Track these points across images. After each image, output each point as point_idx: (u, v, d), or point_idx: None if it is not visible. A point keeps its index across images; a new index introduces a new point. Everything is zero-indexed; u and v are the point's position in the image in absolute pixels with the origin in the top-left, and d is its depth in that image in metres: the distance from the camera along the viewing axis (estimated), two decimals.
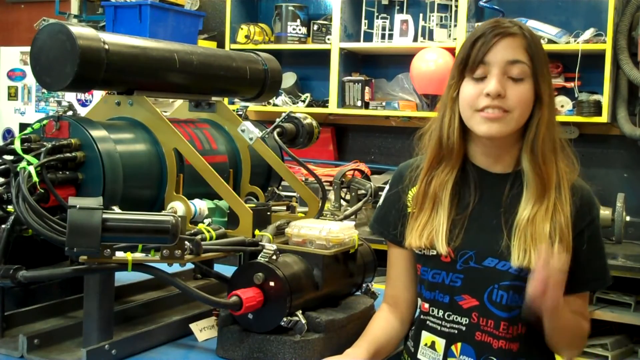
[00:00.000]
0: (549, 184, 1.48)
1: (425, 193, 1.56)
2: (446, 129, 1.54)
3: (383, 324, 1.62)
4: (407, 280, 1.66)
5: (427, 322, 1.57)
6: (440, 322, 1.54)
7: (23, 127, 5.21)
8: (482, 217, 1.52)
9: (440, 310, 1.54)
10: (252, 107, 4.15)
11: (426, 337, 1.57)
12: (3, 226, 1.46)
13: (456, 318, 1.52)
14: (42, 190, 1.46)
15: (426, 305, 1.57)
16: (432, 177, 1.56)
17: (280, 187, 2.08)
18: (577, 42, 3.83)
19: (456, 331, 1.52)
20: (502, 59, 1.46)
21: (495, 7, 4.05)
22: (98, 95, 4.28)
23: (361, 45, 4.47)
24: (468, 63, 1.48)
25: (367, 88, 4.39)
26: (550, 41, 3.88)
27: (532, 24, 3.94)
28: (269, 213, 1.72)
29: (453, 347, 1.52)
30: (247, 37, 4.65)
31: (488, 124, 1.47)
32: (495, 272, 1.48)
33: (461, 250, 1.51)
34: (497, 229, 1.49)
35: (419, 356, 1.57)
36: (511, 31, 1.47)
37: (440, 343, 1.54)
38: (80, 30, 1.56)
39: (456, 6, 4.16)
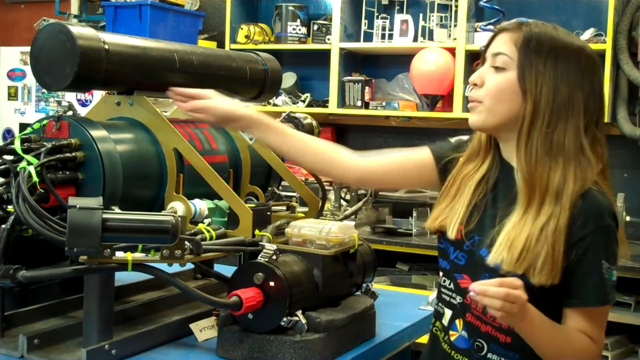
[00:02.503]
0: (539, 188, 1.41)
1: (453, 182, 1.56)
2: None
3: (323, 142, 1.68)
4: (394, 162, 1.69)
5: (441, 291, 1.57)
6: (449, 294, 1.55)
7: (23, 127, 5.21)
8: (489, 206, 1.51)
9: (451, 282, 1.54)
10: (252, 107, 4.14)
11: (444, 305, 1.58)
12: (3, 226, 1.46)
13: (454, 294, 1.53)
14: (42, 190, 1.46)
15: (441, 274, 1.58)
16: (464, 168, 1.56)
17: (280, 187, 2.08)
18: None
19: (458, 305, 1.53)
20: (490, 51, 1.50)
21: (496, 7, 4.05)
22: (98, 95, 4.28)
23: (361, 45, 4.47)
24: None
25: (367, 88, 4.39)
26: None
27: None
28: (269, 213, 1.73)
29: (457, 322, 1.52)
30: (247, 37, 4.64)
31: (470, 116, 1.51)
32: (485, 262, 1.47)
33: (470, 233, 1.51)
34: (492, 221, 1.48)
35: (442, 321, 1.57)
36: (507, 27, 1.49)
37: (447, 314, 1.55)
38: (80, 30, 1.56)
39: (456, 6, 4.16)
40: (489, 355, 1.48)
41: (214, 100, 1.64)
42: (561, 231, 1.40)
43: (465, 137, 1.64)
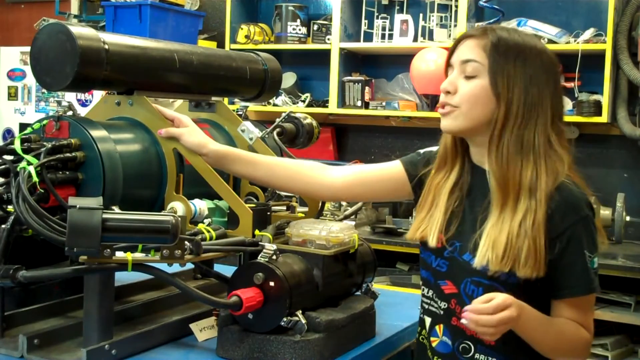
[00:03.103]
0: (514, 184, 1.45)
1: (428, 192, 1.60)
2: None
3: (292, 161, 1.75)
4: (366, 176, 1.72)
5: (423, 300, 1.62)
6: (428, 302, 1.60)
7: (23, 127, 5.21)
8: (466, 212, 1.55)
9: (430, 290, 1.59)
10: (252, 107, 4.14)
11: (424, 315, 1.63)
12: (3, 226, 1.46)
13: (438, 301, 1.57)
14: (42, 190, 1.46)
15: (421, 283, 1.63)
16: (436, 177, 1.60)
17: None
18: (577, 42, 3.83)
19: (438, 312, 1.57)
20: (457, 59, 1.53)
21: (495, 7, 4.05)
22: (98, 95, 4.28)
23: (361, 45, 4.47)
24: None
25: (367, 88, 4.39)
26: (550, 41, 3.88)
27: (532, 24, 3.94)
28: (269, 213, 1.72)
29: (437, 327, 1.57)
30: (247, 37, 4.65)
31: (442, 120, 1.54)
32: (469, 266, 1.49)
33: (450, 240, 1.54)
34: (473, 226, 1.51)
35: (427, 328, 1.62)
36: (472, 33, 1.53)
37: (427, 321, 1.60)
38: (80, 30, 1.56)
39: (456, 6, 4.16)
40: (477, 355, 1.52)
41: (188, 132, 1.68)
42: (540, 225, 1.44)
43: (435, 148, 1.67)
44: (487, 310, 1.33)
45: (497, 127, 1.48)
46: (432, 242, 1.54)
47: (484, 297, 1.36)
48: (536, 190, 1.45)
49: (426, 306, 1.61)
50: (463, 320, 1.35)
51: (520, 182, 1.45)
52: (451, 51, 1.56)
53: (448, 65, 1.56)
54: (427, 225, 1.56)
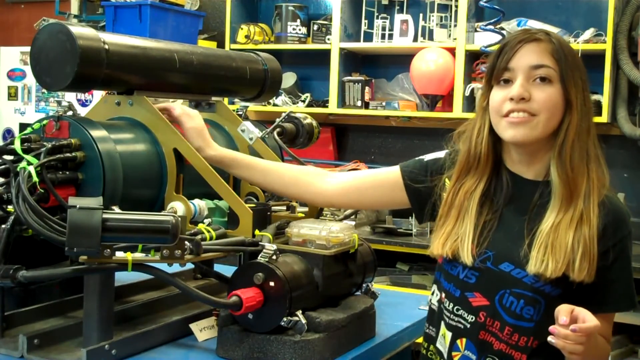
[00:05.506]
0: (577, 192, 1.44)
1: (452, 202, 1.54)
2: (474, 139, 1.53)
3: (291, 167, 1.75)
4: (362, 183, 1.70)
5: (442, 312, 1.56)
6: (449, 315, 1.53)
7: (23, 127, 5.21)
8: (506, 221, 1.50)
9: (451, 303, 1.53)
10: (252, 107, 4.14)
11: (442, 327, 1.56)
12: (3, 226, 1.46)
13: (463, 314, 1.51)
14: (42, 190, 1.46)
15: (443, 295, 1.56)
16: (460, 186, 1.54)
17: None
18: (577, 42, 3.83)
19: (462, 326, 1.51)
20: (525, 63, 1.45)
21: (496, 7, 4.05)
22: (98, 95, 4.28)
23: (361, 45, 4.47)
24: (494, 71, 1.49)
25: (367, 88, 4.39)
26: None
27: (532, 24, 3.94)
28: (269, 213, 1.73)
29: (458, 342, 1.51)
30: (247, 37, 4.65)
31: (514, 129, 1.46)
32: (509, 277, 1.46)
33: (481, 250, 1.49)
34: (519, 236, 1.47)
35: (437, 345, 1.57)
36: (535, 37, 1.47)
37: (447, 335, 1.54)
38: (80, 30, 1.56)
39: (456, 6, 4.16)
40: None
41: (186, 118, 1.71)
42: (594, 232, 1.43)
43: (441, 155, 1.63)
44: (589, 331, 1.28)
45: (568, 137, 1.45)
46: (467, 257, 1.48)
47: (565, 310, 1.30)
48: (590, 198, 1.44)
49: (446, 320, 1.53)
50: (550, 339, 1.30)
51: (581, 189, 1.45)
52: (505, 56, 1.47)
53: (504, 69, 1.47)
54: (457, 239, 1.50)
